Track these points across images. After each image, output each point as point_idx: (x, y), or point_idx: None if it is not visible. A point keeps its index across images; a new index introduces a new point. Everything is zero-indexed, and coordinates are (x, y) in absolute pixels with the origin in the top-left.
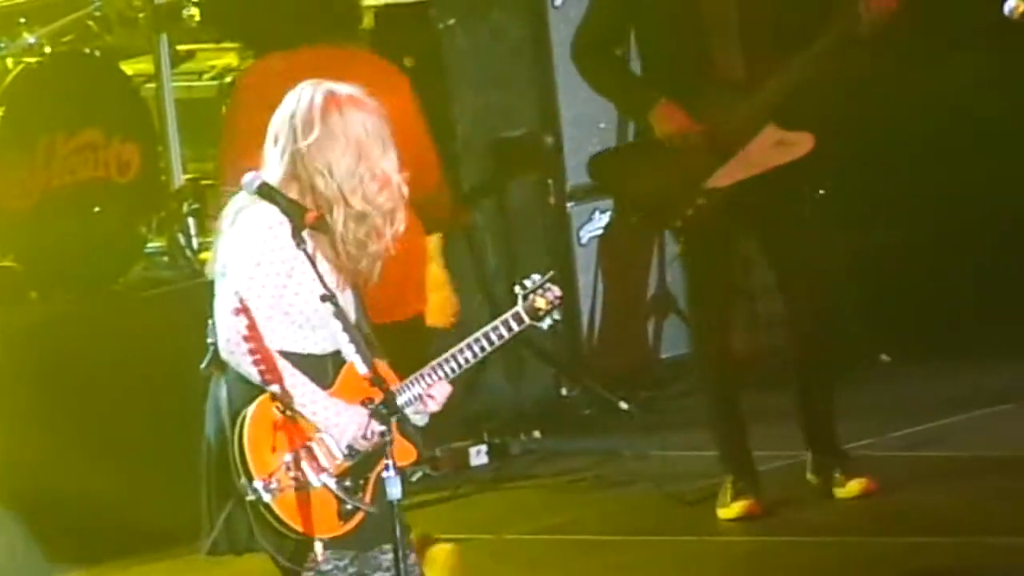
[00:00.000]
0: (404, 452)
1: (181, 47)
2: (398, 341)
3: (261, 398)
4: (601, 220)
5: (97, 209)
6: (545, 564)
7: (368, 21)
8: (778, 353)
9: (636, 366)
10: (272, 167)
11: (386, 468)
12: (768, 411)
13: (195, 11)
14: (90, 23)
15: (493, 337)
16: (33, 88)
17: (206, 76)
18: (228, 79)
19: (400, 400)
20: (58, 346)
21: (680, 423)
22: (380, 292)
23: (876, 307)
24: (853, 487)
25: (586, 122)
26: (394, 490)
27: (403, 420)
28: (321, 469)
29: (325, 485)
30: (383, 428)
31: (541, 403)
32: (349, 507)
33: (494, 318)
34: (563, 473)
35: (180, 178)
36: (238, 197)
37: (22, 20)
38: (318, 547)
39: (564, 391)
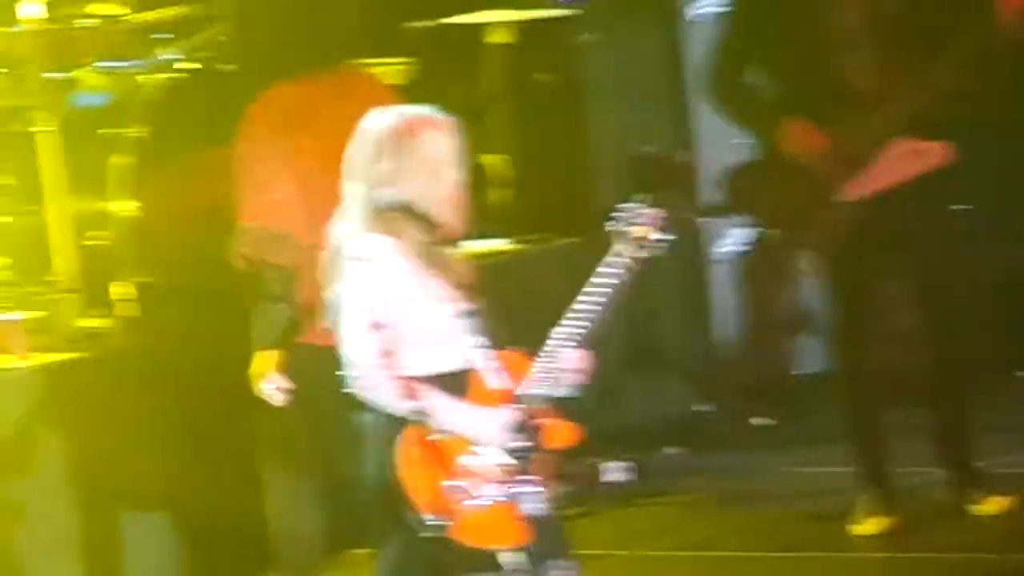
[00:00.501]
0: (563, 434)
1: None
2: None
3: (408, 427)
4: (736, 236)
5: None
6: None
7: (507, 36)
8: (916, 368)
9: (771, 382)
10: (353, 192)
11: (527, 483)
12: (903, 426)
13: None
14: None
15: (598, 285)
16: (171, 105)
17: None
18: None
19: (537, 388)
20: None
21: (815, 439)
22: None
23: (1012, 323)
24: (991, 505)
25: (720, 138)
26: (536, 504)
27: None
28: (483, 482)
29: (492, 496)
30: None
31: (677, 419)
32: (520, 511)
33: (629, 334)
34: (698, 489)
35: None
36: (343, 223)
37: (158, 36)
38: (505, 558)
39: (699, 407)
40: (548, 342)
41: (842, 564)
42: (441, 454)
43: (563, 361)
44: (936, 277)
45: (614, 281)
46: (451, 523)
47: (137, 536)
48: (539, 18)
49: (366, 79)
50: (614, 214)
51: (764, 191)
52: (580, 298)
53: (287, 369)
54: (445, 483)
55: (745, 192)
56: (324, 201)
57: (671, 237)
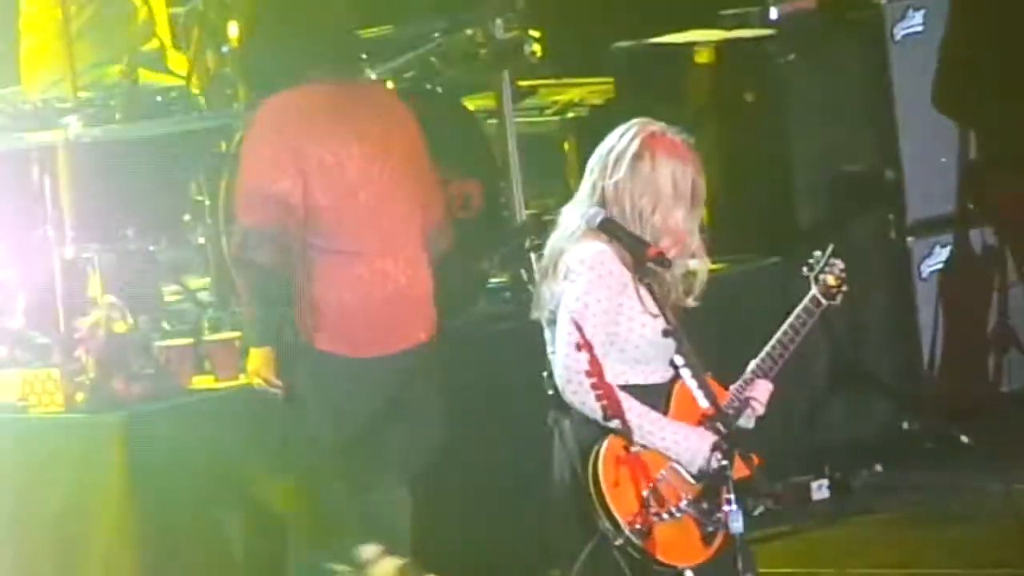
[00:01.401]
0: (739, 467)
1: (523, 83)
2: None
3: (609, 438)
4: (942, 254)
5: None
6: None
7: (709, 56)
8: None
9: (977, 399)
10: (582, 200)
11: (727, 502)
12: None
13: (536, 47)
14: (432, 59)
15: (797, 325)
16: None
17: (548, 112)
18: (570, 114)
19: (731, 411)
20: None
21: (1022, 455)
22: (388, 322)
23: None
24: None
25: (927, 156)
26: (736, 524)
27: (741, 441)
28: (679, 498)
29: (687, 512)
30: (724, 454)
31: (882, 436)
32: (711, 530)
33: (835, 352)
34: (905, 507)
35: (522, 213)
36: (556, 236)
37: (363, 56)
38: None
39: (905, 424)
40: (745, 373)
41: None
42: (641, 466)
43: (755, 392)
44: None
45: (807, 323)
46: (646, 536)
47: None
48: (744, 38)
49: (380, 90)
50: (810, 261)
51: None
52: (777, 336)
53: (283, 369)
54: (643, 495)
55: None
56: (328, 205)
57: (846, 290)
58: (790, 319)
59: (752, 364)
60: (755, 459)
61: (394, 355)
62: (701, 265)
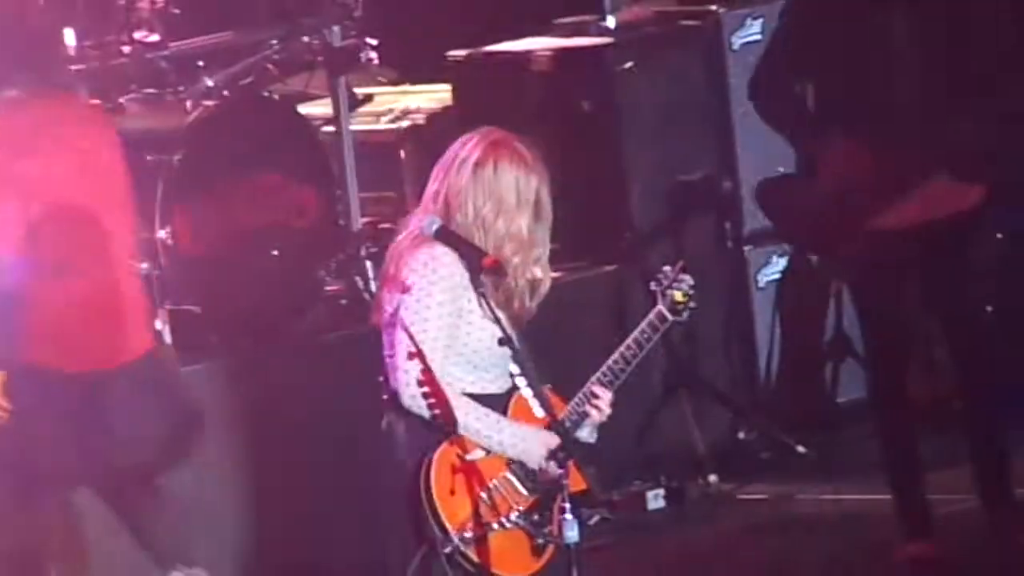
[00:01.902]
0: (575, 480)
1: (360, 90)
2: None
3: (443, 446)
4: (779, 264)
5: (275, 252)
6: None
7: (546, 64)
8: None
9: (813, 409)
10: (426, 206)
11: (562, 510)
12: (943, 454)
13: (374, 55)
14: (269, 66)
15: (641, 339)
16: (211, 131)
17: (384, 119)
18: (407, 122)
19: (569, 423)
20: (238, 390)
21: (857, 466)
22: (98, 336)
23: None
24: None
25: (764, 165)
26: (571, 532)
27: (577, 451)
28: (510, 508)
29: (516, 523)
30: (559, 463)
31: (718, 446)
32: (540, 542)
33: (671, 361)
34: (740, 516)
35: (358, 221)
36: (399, 242)
37: (200, 64)
38: None
39: (741, 434)
40: (587, 386)
41: None
42: (476, 474)
43: (597, 402)
44: (960, 308)
45: (651, 338)
46: (476, 545)
47: None
48: (582, 46)
49: (83, 104)
50: (659, 276)
51: (797, 206)
52: (620, 350)
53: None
54: (475, 504)
55: (777, 204)
56: (46, 225)
57: (694, 306)
58: (634, 333)
59: (594, 377)
60: (591, 472)
61: (109, 370)
62: (544, 275)
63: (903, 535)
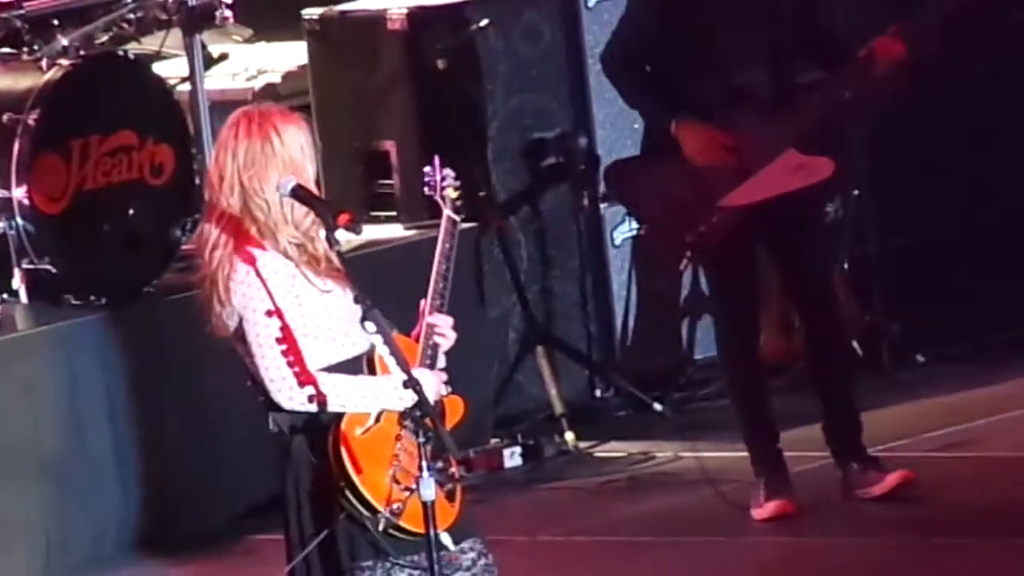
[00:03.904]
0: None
1: (214, 48)
2: None
3: (338, 429)
4: (634, 222)
5: (131, 211)
6: (578, 566)
7: (401, 23)
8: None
9: (670, 367)
10: (228, 195)
11: (420, 468)
12: (800, 412)
13: (229, 13)
14: (123, 25)
15: (447, 252)
16: (67, 90)
17: (240, 77)
18: (262, 81)
19: (427, 362)
20: (92, 348)
21: (714, 424)
22: None
23: (911, 308)
24: (884, 488)
25: (619, 123)
26: (427, 491)
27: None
28: (418, 467)
29: (429, 477)
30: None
31: (575, 404)
32: (450, 487)
33: (528, 319)
34: (596, 475)
35: None
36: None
37: (56, 23)
38: (446, 538)
39: (598, 392)
40: (422, 317)
41: (740, 549)
42: (377, 447)
43: (439, 329)
44: (807, 273)
45: (453, 247)
46: (402, 513)
47: None
48: (437, 4)
49: None
50: (426, 180)
51: (646, 186)
52: (435, 271)
53: None
54: (389, 474)
55: (626, 185)
56: None
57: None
58: (438, 249)
59: (424, 305)
60: (459, 406)
61: None
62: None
63: (761, 492)
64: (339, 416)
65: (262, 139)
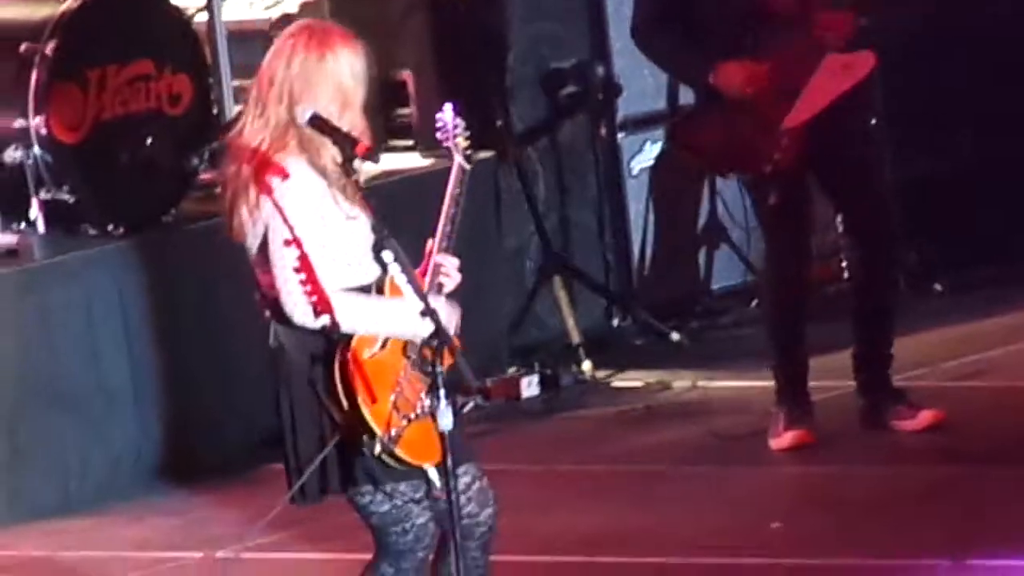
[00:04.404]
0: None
1: None
2: None
3: (345, 351)
4: (652, 151)
5: (149, 141)
6: (596, 495)
7: None
8: (831, 282)
9: (687, 297)
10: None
11: (436, 397)
12: (822, 341)
13: None
14: None
15: (456, 197)
16: (84, 19)
17: (257, 7)
18: (280, 11)
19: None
20: (109, 278)
21: (731, 353)
22: None
23: (928, 237)
24: (923, 419)
25: (637, 52)
26: (445, 420)
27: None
28: (419, 397)
29: (424, 411)
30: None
31: (592, 334)
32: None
33: (545, 249)
34: (613, 404)
35: (231, 110)
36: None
37: None
38: (433, 473)
39: (615, 322)
40: (431, 257)
41: (758, 478)
42: (382, 371)
43: (445, 269)
44: (865, 191)
45: (463, 191)
46: (398, 440)
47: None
48: None
49: None
50: (439, 126)
51: (713, 135)
52: (444, 214)
53: None
54: (390, 400)
55: (694, 139)
56: None
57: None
58: (448, 193)
59: (432, 245)
60: (456, 344)
61: None
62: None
63: (780, 422)
64: (349, 337)
65: (318, 56)
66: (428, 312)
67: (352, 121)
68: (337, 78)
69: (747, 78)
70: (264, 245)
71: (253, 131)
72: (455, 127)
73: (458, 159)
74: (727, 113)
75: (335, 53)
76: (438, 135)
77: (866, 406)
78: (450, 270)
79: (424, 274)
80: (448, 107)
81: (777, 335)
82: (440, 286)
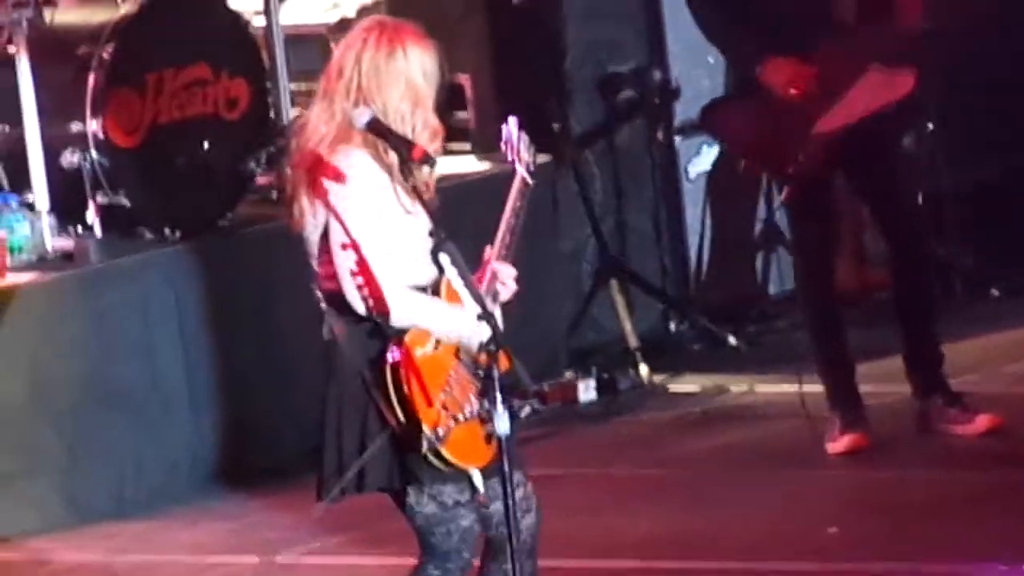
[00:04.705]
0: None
1: None
2: None
3: (400, 347)
4: (709, 155)
5: (205, 145)
6: (652, 500)
7: None
8: (884, 288)
9: (744, 301)
10: (338, 101)
11: (493, 401)
12: (874, 346)
13: None
14: None
15: (517, 210)
16: (142, 24)
17: (315, 10)
18: (338, 16)
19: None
20: (165, 281)
21: (788, 358)
22: None
23: (984, 242)
24: (979, 424)
25: (694, 56)
26: (502, 424)
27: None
28: (468, 399)
29: (473, 414)
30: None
31: (649, 338)
32: (491, 429)
33: (602, 253)
34: (670, 408)
35: (288, 114)
36: (312, 141)
37: None
38: (477, 478)
39: (672, 326)
40: (488, 263)
41: (815, 481)
42: (434, 370)
43: (502, 277)
44: (905, 197)
45: (524, 204)
46: (445, 440)
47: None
48: None
49: None
50: (503, 139)
51: (742, 124)
52: (503, 225)
53: None
54: (440, 399)
55: (722, 124)
56: None
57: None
58: (509, 205)
59: (490, 253)
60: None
61: None
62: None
63: (836, 426)
64: (402, 334)
65: (388, 53)
66: (485, 316)
67: (424, 119)
68: (408, 76)
69: (793, 78)
70: (324, 235)
71: (318, 123)
72: (519, 140)
73: (521, 172)
74: (762, 106)
75: (406, 51)
76: (502, 147)
77: (921, 408)
78: (507, 279)
79: (481, 281)
80: (512, 120)
81: (818, 341)
82: (496, 294)
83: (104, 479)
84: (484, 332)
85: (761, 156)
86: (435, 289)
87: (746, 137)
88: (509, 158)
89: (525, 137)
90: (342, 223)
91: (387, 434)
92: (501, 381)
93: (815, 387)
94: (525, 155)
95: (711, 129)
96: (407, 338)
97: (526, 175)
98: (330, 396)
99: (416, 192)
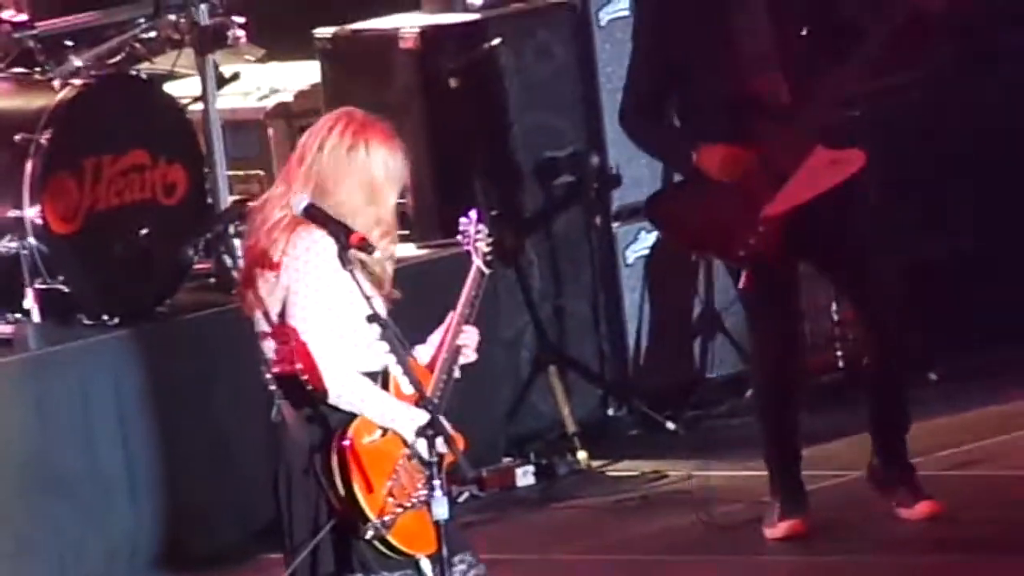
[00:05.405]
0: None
1: (227, 68)
2: None
3: (345, 433)
4: (647, 240)
5: (144, 231)
6: None
7: (414, 41)
8: (825, 372)
9: (683, 386)
10: (294, 188)
11: (431, 487)
12: (817, 430)
13: (241, 32)
14: (136, 45)
15: (472, 300)
16: (80, 110)
17: (252, 97)
18: (275, 100)
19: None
20: (104, 368)
21: (727, 443)
22: None
23: (923, 325)
24: (921, 509)
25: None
26: (440, 510)
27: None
28: (415, 487)
29: (420, 501)
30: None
31: (588, 423)
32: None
33: (540, 339)
34: (610, 493)
35: (227, 199)
36: (270, 221)
37: (69, 43)
38: (425, 565)
39: (611, 411)
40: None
41: (753, 567)
42: (381, 457)
43: (463, 341)
44: (861, 278)
45: (479, 294)
46: (391, 527)
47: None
48: (449, 23)
49: None
50: (461, 230)
51: (687, 213)
52: (460, 312)
53: None
54: (386, 487)
55: (667, 215)
56: None
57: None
58: (465, 294)
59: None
60: (460, 442)
61: None
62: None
63: (775, 511)
64: (349, 420)
65: (351, 146)
66: (425, 404)
67: (378, 216)
68: (367, 171)
69: (729, 161)
70: (281, 314)
71: (275, 207)
72: (477, 232)
73: (477, 263)
74: (708, 195)
75: (368, 146)
76: (459, 238)
77: (881, 473)
78: (470, 343)
79: (431, 366)
80: (472, 213)
81: (767, 423)
82: (448, 380)
83: (47, 566)
84: (420, 418)
85: (710, 243)
86: (385, 379)
87: (692, 226)
88: (466, 248)
89: (484, 228)
90: (295, 298)
91: (335, 520)
92: (440, 466)
93: (755, 472)
94: (482, 246)
95: (656, 222)
96: (353, 425)
97: (482, 265)
98: (280, 482)
99: (375, 279)
